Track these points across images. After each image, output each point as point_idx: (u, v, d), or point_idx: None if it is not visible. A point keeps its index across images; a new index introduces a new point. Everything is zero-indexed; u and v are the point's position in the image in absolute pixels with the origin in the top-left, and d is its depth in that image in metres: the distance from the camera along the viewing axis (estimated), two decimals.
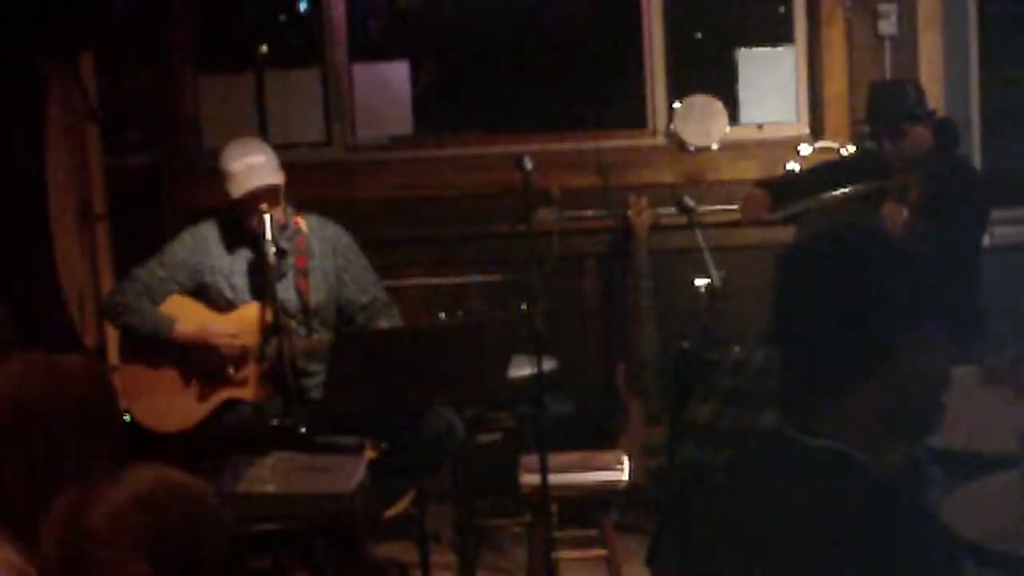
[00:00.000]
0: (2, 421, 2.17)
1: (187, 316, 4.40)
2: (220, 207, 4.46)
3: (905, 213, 4.56)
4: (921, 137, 4.67)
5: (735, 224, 5.45)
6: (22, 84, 4.83)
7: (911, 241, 4.46)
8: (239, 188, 4.33)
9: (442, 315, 4.14)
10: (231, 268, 4.42)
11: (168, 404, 4.40)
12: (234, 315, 4.41)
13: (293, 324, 4.38)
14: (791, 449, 1.87)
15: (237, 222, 4.42)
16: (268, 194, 4.33)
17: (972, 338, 4.34)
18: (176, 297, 4.43)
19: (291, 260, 4.44)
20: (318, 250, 4.49)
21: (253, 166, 4.36)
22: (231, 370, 4.36)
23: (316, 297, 4.44)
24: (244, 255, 4.43)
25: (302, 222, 4.50)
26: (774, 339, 1.96)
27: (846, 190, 4.53)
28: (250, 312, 4.39)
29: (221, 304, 4.43)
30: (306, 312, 4.43)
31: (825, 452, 1.84)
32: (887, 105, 4.76)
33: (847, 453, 1.83)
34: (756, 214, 4.89)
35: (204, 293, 4.44)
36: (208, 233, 4.46)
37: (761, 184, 5.08)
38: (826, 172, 5.00)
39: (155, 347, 4.39)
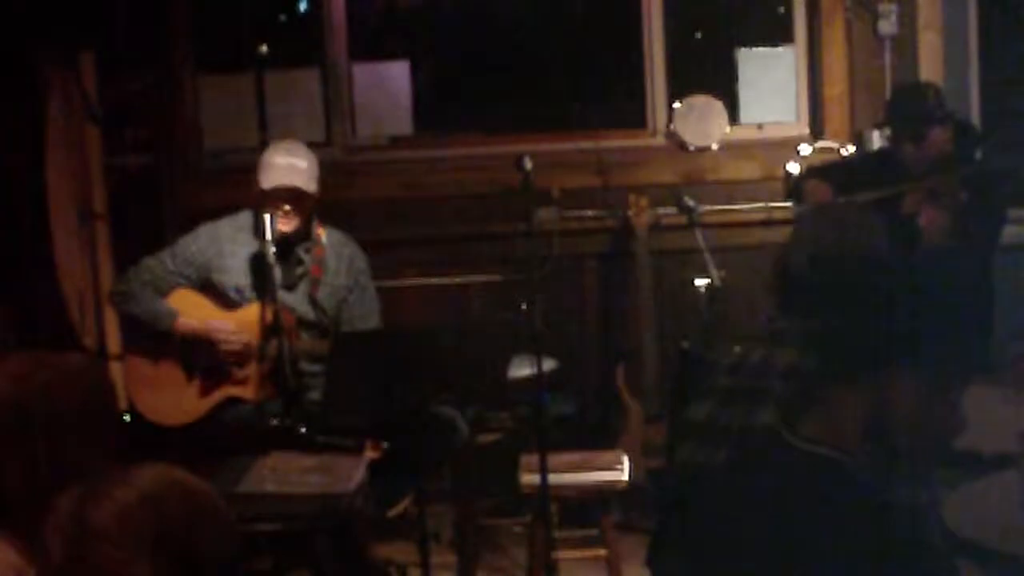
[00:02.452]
0: (2, 420, 2.16)
1: (192, 311, 4.40)
2: (240, 203, 4.46)
3: (946, 218, 4.52)
4: (942, 140, 4.65)
5: (735, 224, 5.45)
6: (22, 84, 4.83)
7: (956, 248, 4.45)
8: (269, 180, 4.33)
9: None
10: (238, 268, 4.43)
11: (170, 398, 4.41)
12: (238, 314, 4.41)
13: (302, 331, 4.40)
14: (779, 449, 1.88)
15: (252, 221, 4.43)
16: (295, 198, 4.33)
17: (983, 348, 4.33)
18: (183, 291, 4.43)
19: (307, 268, 4.45)
20: (333, 265, 4.50)
21: (295, 166, 4.38)
22: (234, 368, 4.36)
23: (327, 307, 4.45)
24: (252, 256, 4.43)
25: (323, 233, 4.51)
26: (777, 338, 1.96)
27: (883, 191, 4.52)
28: (253, 313, 4.39)
29: (226, 303, 4.43)
30: (316, 321, 4.43)
31: (807, 454, 1.85)
32: (909, 108, 4.74)
33: (829, 456, 1.84)
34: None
35: (211, 289, 4.44)
36: (223, 231, 4.47)
37: (816, 172, 5.04)
38: (871, 164, 5.00)
39: (159, 340, 4.39)
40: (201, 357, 4.38)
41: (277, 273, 4.35)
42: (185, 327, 4.36)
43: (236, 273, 4.42)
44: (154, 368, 4.42)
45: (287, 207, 4.33)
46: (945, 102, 4.77)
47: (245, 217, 4.49)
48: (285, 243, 4.38)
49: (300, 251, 4.42)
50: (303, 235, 4.43)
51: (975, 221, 4.57)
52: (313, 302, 4.44)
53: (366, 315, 4.52)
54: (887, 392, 1.82)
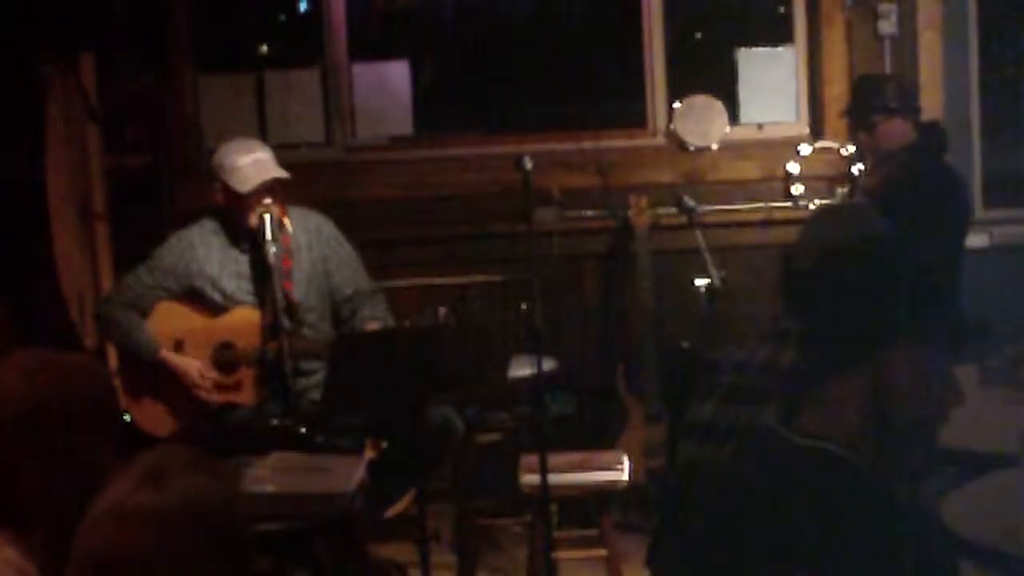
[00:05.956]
0: (21, 418, 2.15)
1: (177, 321, 4.39)
2: (216, 207, 4.44)
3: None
4: (895, 131, 4.67)
5: (735, 224, 5.45)
6: (22, 84, 4.83)
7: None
8: (248, 182, 4.30)
9: (442, 310, 4.10)
10: (220, 272, 4.39)
11: (165, 408, 4.40)
12: (227, 318, 4.39)
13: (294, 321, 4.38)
14: (777, 446, 1.89)
15: (228, 223, 4.40)
16: (272, 190, 4.33)
17: (957, 345, 4.32)
18: (165, 303, 4.41)
19: (279, 261, 4.42)
20: (303, 242, 4.46)
21: (260, 160, 4.36)
22: (223, 375, 4.37)
23: (299, 293, 4.41)
24: (234, 257, 4.40)
25: (286, 218, 4.47)
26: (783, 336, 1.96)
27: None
28: (243, 315, 4.37)
29: (212, 308, 4.41)
30: (291, 312, 4.40)
31: (808, 449, 1.85)
32: (862, 98, 4.81)
33: (830, 450, 1.84)
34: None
35: (194, 297, 4.42)
36: (195, 237, 4.43)
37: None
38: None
39: None
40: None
41: (248, 269, 4.36)
42: (167, 362, 4.37)
43: (216, 277, 4.39)
44: (149, 379, 4.39)
45: (266, 201, 4.31)
46: (908, 96, 4.76)
47: (211, 222, 4.45)
48: (258, 236, 4.34)
49: (268, 244, 4.36)
50: (277, 223, 4.39)
51: (934, 226, 4.51)
52: (287, 293, 4.37)
53: (350, 277, 4.49)
54: (882, 375, 1.83)
